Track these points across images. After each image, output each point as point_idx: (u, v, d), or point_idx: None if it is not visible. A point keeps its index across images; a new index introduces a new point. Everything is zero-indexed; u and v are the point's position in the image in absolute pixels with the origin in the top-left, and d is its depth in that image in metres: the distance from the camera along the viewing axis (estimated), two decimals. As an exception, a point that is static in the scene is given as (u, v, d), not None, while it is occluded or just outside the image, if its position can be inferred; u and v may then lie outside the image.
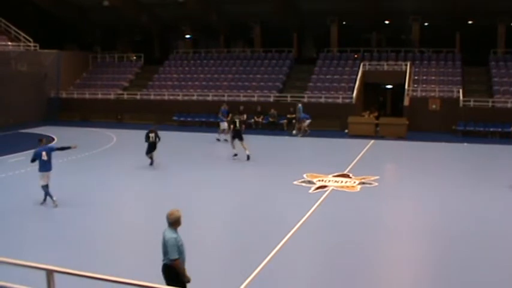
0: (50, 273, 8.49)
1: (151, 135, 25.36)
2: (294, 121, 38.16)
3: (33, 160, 19.03)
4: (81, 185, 22.43)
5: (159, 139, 25.63)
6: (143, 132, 26.01)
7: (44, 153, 18.87)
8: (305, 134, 35.51)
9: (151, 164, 25.49)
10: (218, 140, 33.73)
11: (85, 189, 21.73)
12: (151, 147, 25.47)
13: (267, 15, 47.04)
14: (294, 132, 36.20)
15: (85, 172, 25.03)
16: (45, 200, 18.98)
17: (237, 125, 27.74)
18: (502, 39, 44.21)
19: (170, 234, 9.74)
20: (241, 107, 39.45)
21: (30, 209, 18.81)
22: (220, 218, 18.39)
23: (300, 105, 37.37)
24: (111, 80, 48.86)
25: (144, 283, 7.29)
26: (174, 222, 9.84)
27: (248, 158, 27.00)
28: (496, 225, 16.98)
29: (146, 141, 25.42)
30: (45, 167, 18.82)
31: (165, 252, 9.73)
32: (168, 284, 9.56)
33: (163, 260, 9.79)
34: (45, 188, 18.88)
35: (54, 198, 18.76)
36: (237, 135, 27.72)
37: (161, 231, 9.90)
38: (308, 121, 35.92)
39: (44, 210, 18.82)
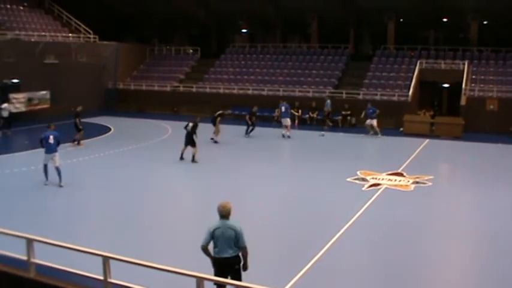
0: (106, 259, 8.96)
1: (190, 124, 25.56)
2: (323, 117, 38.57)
3: (41, 141, 20.82)
4: (131, 176, 22.94)
5: (195, 134, 25.45)
6: (201, 125, 26.32)
7: (51, 136, 20.72)
8: (376, 132, 34.62)
9: (181, 158, 25.60)
10: (283, 136, 33.73)
11: (132, 179, 22.22)
12: (187, 139, 25.52)
13: (324, 11, 47.00)
14: (323, 132, 35.50)
15: (139, 163, 25.56)
16: (60, 180, 20.60)
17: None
18: None
19: (236, 224, 10.01)
20: (297, 103, 39.61)
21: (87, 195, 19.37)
22: (275, 212, 18.60)
23: (328, 100, 37.66)
24: (168, 73, 49.44)
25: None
26: (228, 214, 10.02)
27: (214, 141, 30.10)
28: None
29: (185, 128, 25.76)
30: (51, 149, 20.61)
31: (236, 243, 9.92)
32: (239, 273, 10.04)
33: (231, 253, 9.95)
34: (45, 168, 20.80)
35: (47, 181, 20.78)
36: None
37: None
38: (374, 121, 34.65)
39: (100, 196, 19.39)
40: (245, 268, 10.12)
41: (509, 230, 16.75)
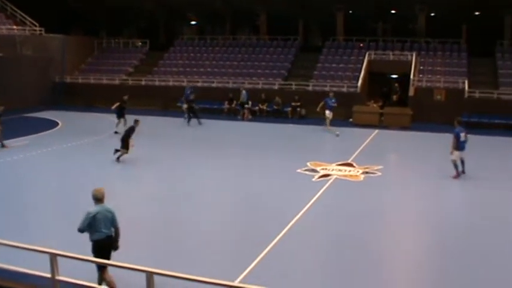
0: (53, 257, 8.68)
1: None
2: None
3: None
4: (79, 171, 22.54)
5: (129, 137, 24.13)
6: (148, 118, 26.02)
7: None
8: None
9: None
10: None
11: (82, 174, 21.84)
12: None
13: (273, 2, 46.92)
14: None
15: (86, 157, 25.16)
16: None
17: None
18: (508, 30, 44.04)
19: (109, 208, 10.87)
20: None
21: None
22: (224, 203, 18.45)
23: (244, 91, 38.07)
24: (116, 66, 48.74)
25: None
26: (103, 198, 10.85)
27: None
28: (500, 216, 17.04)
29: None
30: None
31: (112, 224, 10.80)
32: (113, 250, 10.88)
33: (108, 233, 10.74)
34: None
35: None
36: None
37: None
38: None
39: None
40: (116, 248, 10.91)
41: (456, 218, 17.06)
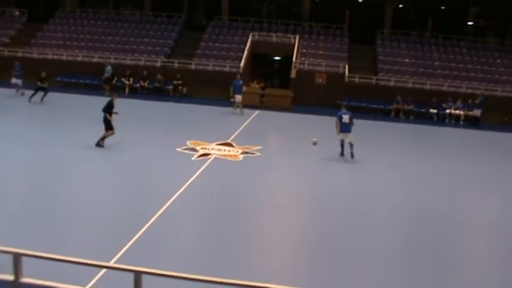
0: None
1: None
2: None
3: None
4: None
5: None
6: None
7: None
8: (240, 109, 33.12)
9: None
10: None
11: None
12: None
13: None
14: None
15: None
16: None
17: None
18: (389, 19, 45.36)
19: None
20: (128, 71, 38.80)
21: None
22: (101, 181, 17.83)
23: (109, 66, 38.14)
24: (-10, 35, 46.49)
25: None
26: None
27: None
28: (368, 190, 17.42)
29: None
30: None
31: None
32: None
33: None
34: None
35: None
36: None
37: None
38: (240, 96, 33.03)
39: None
40: None
41: (331, 198, 17.31)
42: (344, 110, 22.56)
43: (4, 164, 18.30)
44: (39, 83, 31.89)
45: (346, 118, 21.94)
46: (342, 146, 22.12)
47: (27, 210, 14.23)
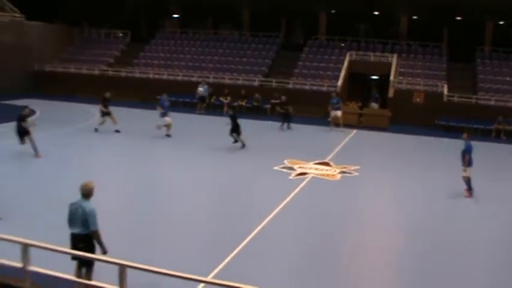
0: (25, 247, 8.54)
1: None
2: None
3: None
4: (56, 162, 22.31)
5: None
6: (125, 110, 25.76)
7: None
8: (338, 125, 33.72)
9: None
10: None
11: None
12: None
13: (256, -1, 46.90)
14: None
15: (62, 148, 24.87)
16: None
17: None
18: (489, 36, 44.42)
19: (90, 206, 10.12)
20: (226, 90, 39.51)
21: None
22: (201, 199, 18.33)
23: (205, 85, 39.43)
24: (97, 56, 48.41)
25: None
26: (88, 194, 10.24)
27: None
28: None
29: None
30: None
31: (84, 223, 10.02)
32: (89, 252, 9.94)
33: (80, 231, 10.05)
34: None
35: None
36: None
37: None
38: (339, 112, 33.75)
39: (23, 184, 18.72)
40: (103, 251, 10.11)
41: (430, 219, 17.02)
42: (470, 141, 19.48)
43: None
44: (278, 108, 34.55)
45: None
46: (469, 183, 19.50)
47: (139, 224, 14.86)
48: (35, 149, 22.15)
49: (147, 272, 8.39)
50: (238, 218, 16.12)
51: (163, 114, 27.95)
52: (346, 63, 41.60)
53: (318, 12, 47.19)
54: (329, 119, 34.21)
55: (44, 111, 33.87)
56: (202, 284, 10.03)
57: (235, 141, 26.28)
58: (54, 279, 9.11)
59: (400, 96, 38.12)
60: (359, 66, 41.91)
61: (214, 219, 16.37)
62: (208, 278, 10.28)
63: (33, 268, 8.79)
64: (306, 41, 47.51)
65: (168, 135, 27.62)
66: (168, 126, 27.79)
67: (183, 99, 40.91)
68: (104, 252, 10.07)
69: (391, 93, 38.60)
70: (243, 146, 26.20)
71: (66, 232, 10.23)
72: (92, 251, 10.04)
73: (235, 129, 26.22)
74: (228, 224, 15.61)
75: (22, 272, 8.80)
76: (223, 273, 11.48)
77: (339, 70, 41.42)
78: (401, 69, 41.19)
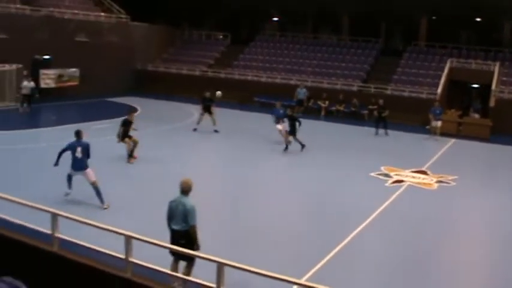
0: (128, 239, 9.03)
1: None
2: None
3: (60, 154, 16.37)
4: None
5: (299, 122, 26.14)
6: (225, 111, 26.21)
7: (79, 149, 16.08)
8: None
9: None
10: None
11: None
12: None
13: (356, 4, 46.70)
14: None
15: (163, 145, 25.68)
16: (100, 200, 16.13)
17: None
18: None
19: (190, 202, 10.54)
20: (324, 94, 39.71)
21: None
22: (296, 203, 18.68)
23: (303, 88, 39.39)
24: (197, 57, 49.54)
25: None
26: (188, 190, 10.68)
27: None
28: None
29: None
30: (79, 166, 16.12)
31: (184, 219, 10.45)
32: (189, 248, 10.18)
33: (181, 227, 10.50)
34: (69, 177, 16.39)
35: (69, 191, 16.53)
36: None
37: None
38: (439, 122, 33.16)
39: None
40: (194, 247, 10.43)
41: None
42: None
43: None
44: (375, 112, 34.11)
45: None
46: None
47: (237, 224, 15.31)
48: (130, 151, 22.17)
49: (238, 270, 8.51)
50: (334, 222, 16.36)
51: (277, 122, 27.84)
52: (446, 71, 40.93)
53: (419, 18, 46.67)
54: (428, 127, 33.76)
55: (144, 110, 34.93)
56: (295, 286, 10.17)
57: (301, 144, 26.17)
58: (154, 272, 9.43)
59: (502, 106, 37.16)
60: (460, 74, 41.09)
61: (310, 221, 16.68)
62: (302, 281, 10.42)
63: (134, 260, 9.13)
64: (406, 47, 47.09)
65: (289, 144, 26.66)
66: (281, 132, 27.51)
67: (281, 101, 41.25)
68: (197, 248, 10.46)
69: (492, 103, 37.74)
70: (302, 146, 26.16)
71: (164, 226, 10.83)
72: (193, 248, 10.37)
73: (293, 131, 26.06)
74: (324, 227, 15.89)
75: (124, 262, 9.13)
76: (315, 277, 11.73)
77: (439, 77, 40.79)
78: (504, 78, 40.17)
